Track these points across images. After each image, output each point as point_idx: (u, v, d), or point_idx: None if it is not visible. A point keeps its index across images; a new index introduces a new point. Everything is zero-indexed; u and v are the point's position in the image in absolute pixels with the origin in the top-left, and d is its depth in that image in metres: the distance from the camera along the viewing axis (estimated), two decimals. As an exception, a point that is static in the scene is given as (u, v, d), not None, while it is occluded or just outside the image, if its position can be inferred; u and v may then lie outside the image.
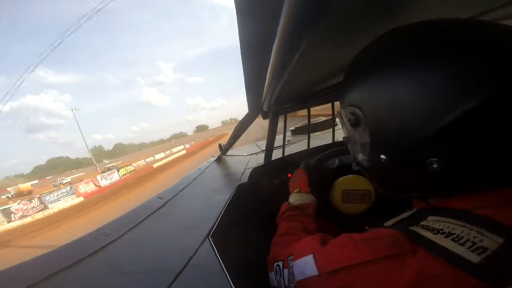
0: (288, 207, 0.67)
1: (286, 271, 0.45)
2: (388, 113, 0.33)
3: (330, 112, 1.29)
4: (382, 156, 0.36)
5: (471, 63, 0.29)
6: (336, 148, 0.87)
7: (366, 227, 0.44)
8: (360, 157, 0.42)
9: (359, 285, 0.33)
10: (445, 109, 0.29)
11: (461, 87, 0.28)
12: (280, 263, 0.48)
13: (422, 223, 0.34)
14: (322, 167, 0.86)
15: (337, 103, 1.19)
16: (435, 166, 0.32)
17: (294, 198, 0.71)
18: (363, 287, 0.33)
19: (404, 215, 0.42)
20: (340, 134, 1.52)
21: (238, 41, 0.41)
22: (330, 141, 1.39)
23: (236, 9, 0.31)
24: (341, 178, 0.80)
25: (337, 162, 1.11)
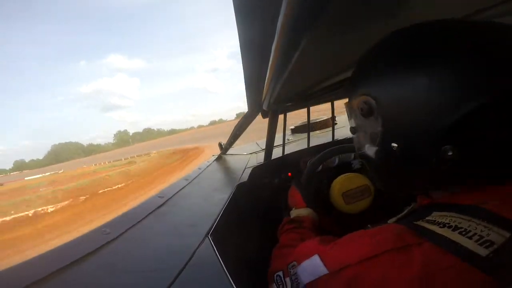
0: (286, 221, 0.70)
1: (288, 279, 0.46)
2: (405, 102, 0.34)
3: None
4: (394, 145, 0.36)
5: (483, 60, 0.30)
6: (320, 154, 0.86)
7: (369, 225, 0.44)
8: (368, 147, 0.41)
9: (367, 278, 0.33)
10: (465, 99, 0.29)
11: (478, 80, 0.29)
12: (280, 273, 0.48)
13: (427, 218, 0.34)
14: (313, 179, 0.86)
15: (337, 102, 1.20)
16: (450, 153, 0.31)
17: (293, 214, 0.73)
18: (370, 281, 0.33)
19: (407, 211, 0.42)
20: (339, 132, 1.52)
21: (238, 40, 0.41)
22: (330, 139, 1.40)
23: (234, 8, 0.31)
24: (334, 183, 0.80)
25: (337, 161, 1.11)
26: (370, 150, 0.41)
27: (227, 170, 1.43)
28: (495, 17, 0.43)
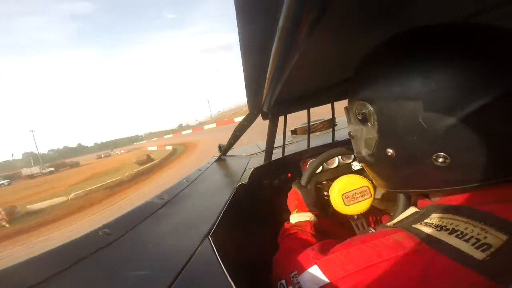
0: (287, 226, 0.69)
1: None
2: (400, 109, 0.34)
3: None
4: (389, 150, 0.37)
5: (481, 63, 0.30)
6: (320, 156, 0.86)
7: (371, 229, 0.44)
8: (365, 152, 0.42)
9: (368, 285, 0.33)
10: (454, 107, 0.30)
11: (470, 87, 0.30)
12: (284, 281, 0.48)
13: (425, 220, 0.34)
14: (313, 180, 0.86)
15: (337, 103, 1.20)
16: (440, 160, 0.32)
17: (294, 219, 0.72)
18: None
19: (407, 213, 0.43)
20: (339, 134, 1.52)
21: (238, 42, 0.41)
22: (330, 140, 1.40)
23: (235, 9, 0.31)
24: (334, 184, 0.80)
25: (337, 162, 1.11)
26: (367, 153, 0.42)
27: (227, 172, 1.43)
28: (489, 21, 0.44)
